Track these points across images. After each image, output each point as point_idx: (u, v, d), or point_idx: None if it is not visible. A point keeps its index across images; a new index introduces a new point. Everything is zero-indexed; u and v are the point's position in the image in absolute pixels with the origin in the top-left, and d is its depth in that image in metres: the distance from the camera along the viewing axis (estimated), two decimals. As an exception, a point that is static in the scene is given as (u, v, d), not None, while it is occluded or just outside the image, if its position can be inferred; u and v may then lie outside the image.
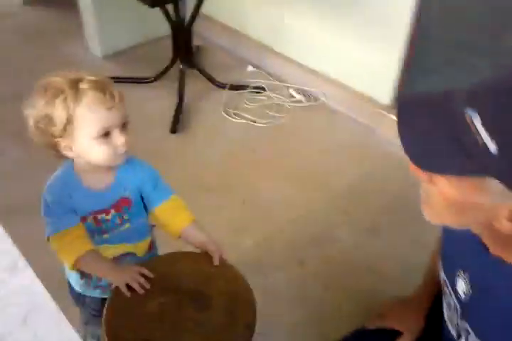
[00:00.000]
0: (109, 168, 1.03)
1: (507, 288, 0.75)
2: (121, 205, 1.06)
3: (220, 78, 2.48)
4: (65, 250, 1.01)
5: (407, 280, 1.34)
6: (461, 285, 0.86)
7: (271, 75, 2.54)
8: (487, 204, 0.65)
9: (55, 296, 0.73)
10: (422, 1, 1.86)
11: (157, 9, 2.16)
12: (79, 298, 1.18)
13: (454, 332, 0.93)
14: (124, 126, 0.97)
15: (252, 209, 1.90)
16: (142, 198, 1.10)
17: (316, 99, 2.40)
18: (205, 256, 1.06)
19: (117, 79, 2.48)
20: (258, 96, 2.43)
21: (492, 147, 0.58)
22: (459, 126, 0.61)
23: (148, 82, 2.45)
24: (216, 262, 1.04)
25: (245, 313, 0.97)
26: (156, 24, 2.62)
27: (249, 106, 2.37)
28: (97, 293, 1.15)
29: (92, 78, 0.94)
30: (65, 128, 0.93)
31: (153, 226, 1.19)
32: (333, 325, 1.45)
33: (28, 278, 0.66)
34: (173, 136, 2.23)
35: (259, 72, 2.57)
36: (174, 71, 2.41)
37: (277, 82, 2.49)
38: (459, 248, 0.88)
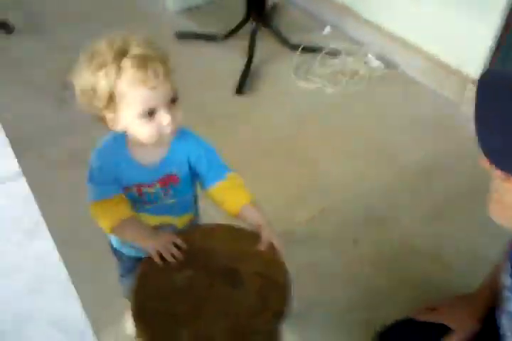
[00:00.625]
0: (160, 145, 0.97)
1: None
2: (167, 181, 1.01)
3: (294, 39, 2.34)
4: (104, 215, 0.98)
5: (471, 274, 1.23)
6: None
7: (348, 38, 2.36)
8: None
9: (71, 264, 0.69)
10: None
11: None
12: (116, 252, 1.19)
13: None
14: (172, 102, 0.90)
15: (311, 181, 1.80)
16: (193, 174, 1.04)
17: (395, 67, 2.21)
18: (248, 233, 1.00)
19: (185, 35, 2.49)
20: (332, 60, 2.27)
21: None
22: None
23: (219, 40, 2.36)
24: (263, 247, 0.97)
25: (277, 299, 0.90)
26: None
27: (322, 71, 2.23)
28: (132, 252, 1.13)
29: (137, 52, 0.85)
30: (108, 103, 0.88)
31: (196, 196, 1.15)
32: (380, 312, 1.35)
33: (45, 245, 0.63)
34: (239, 97, 2.14)
35: (336, 35, 2.40)
36: (246, 29, 2.30)
37: (355, 46, 2.31)
38: None
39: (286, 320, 0.89)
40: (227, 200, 1.02)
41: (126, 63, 0.84)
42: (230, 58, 2.30)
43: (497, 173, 0.61)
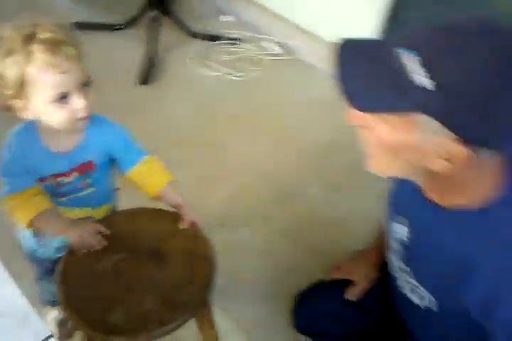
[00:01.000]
0: (74, 131, 0.96)
1: (440, 231, 0.78)
2: (84, 169, 1.01)
3: (195, 27, 2.38)
4: (21, 208, 0.97)
5: (371, 234, 1.37)
6: (400, 229, 0.88)
7: (248, 27, 2.44)
8: (420, 145, 0.65)
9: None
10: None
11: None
12: (32, 255, 1.15)
13: (396, 274, 0.96)
14: (85, 86, 0.89)
15: (222, 164, 1.87)
16: (110, 161, 1.05)
17: (293, 53, 2.33)
18: (169, 214, 1.05)
19: (84, 26, 2.41)
20: (233, 48, 2.34)
21: (428, 84, 0.59)
22: (394, 65, 0.62)
23: (118, 29, 2.33)
24: (185, 225, 1.02)
25: (204, 271, 0.97)
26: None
27: (224, 58, 2.29)
28: (50, 253, 1.11)
29: (46, 36, 0.83)
30: (18, 91, 0.86)
31: (117, 189, 1.16)
32: (298, 279, 1.46)
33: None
34: (143, 87, 2.14)
35: (236, 23, 2.47)
36: (146, 18, 2.30)
37: (255, 34, 2.40)
38: (402, 196, 0.90)
39: (212, 290, 0.95)
40: (146, 183, 1.06)
41: (36, 48, 0.82)
42: (132, 48, 2.28)
43: (360, 122, 0.70)
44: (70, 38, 0.87)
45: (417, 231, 0.86)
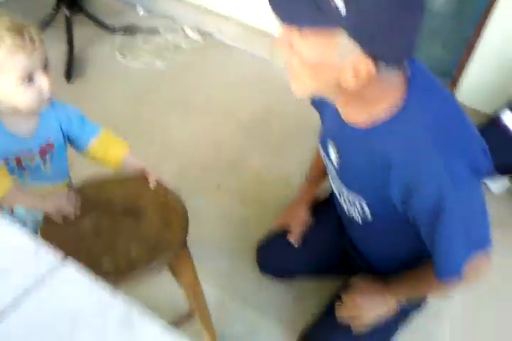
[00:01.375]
0: (32, 113, 1.01)
1: (353, 143, 0.94)
2: (45, 150, 1.07)
3: (111, 22, 2.42)
4: None
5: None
6: (332, 151, 1.03)
7: (164, 17, 2.52)
8: (336, 62, 0.77)
9: None
10: None
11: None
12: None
13: (339, 197, 1.12)
14: (45, 67, 0.96)
15: (163, 146, 1.94)
16: (66, 140, 1.11)
17: (211, 37, 2.44)
18: (136, 177, 1.12)
19: None
20: (153, 39, 2.41)
21: (341, 6, 0.70)
22: None
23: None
24: (152, 184, 1.09)
25: (178, 218, 1.05)
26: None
27: (146, 49, 2.36)
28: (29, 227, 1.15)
29: (9, 23, 0.90)
30: None
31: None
32: (253, 236, 1.57)
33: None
34: (69, 84, 2.16)
35: (150, 15, 2.54)
36: (60, 18, 2.31)
37: (171, 23, 2.48)
38: (328, 121, 1.05)
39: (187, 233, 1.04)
40: (109, 154, 1.13)
41: (3, 31, 0.88)
42: (51, 48, 2.27)
43: (285, 45, 0.80)
44: (32, 24, 0.94)
45: (342, 149, 1.00)
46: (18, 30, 0.90)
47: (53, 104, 1.06)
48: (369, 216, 1.05)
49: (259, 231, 1.53)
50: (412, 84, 0.85)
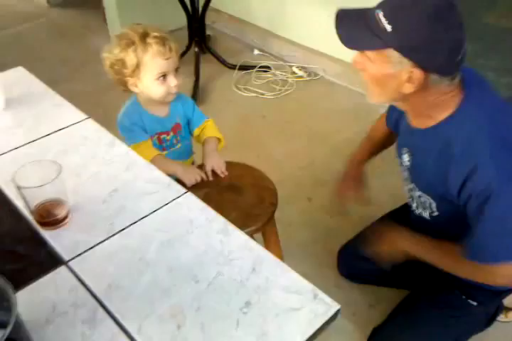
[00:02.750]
0: (165, 102, 1.37)
1: (422, 146, 1.12)
2: (176, 129, 1.42)
3: (231, 61, 2.84)
4: (146, 150, 1.31)
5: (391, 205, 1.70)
6: (406, 157, 1.22)
7: (275, 56, 2.91)
8: (393, 72, 0.98)
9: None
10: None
11: (173, 4, 2.54)
12: None
13: (410, 200, 1.29)
14: (176, 71, 1.31)
15: (266, 161, 2.23)
16: (187, 122, 1.46)
17: (315, 74, 2.76)
18: (236, 163, 1.41)
19: None
20: (265, 75, 2.79)
21: (388, 27, 0.93)
22: (371, 19, 0.97)
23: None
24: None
25: (269, 196, 1.32)
26: (171, 18, 3.02)
27: (258, 83, 2.74)
28: None
29: (156, 34, 1.25)
30: (133, 71, 1.27)
31: (194, 153, 1.55)
32: (335, 239, 1.77)
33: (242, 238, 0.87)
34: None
35: (264, 55, 2.94)
36: (190, 56, 2.78)
37: (281, 62, 2.86)
38: (402, 132, 1.24)
39: (276, 209, 1.29)
40: (203, 134, 1.46)
41: (151, 40, 1.24)
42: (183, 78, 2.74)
43: (360, 66, 1.04)
44: (171, 37, 1.30)
45: (413, 152, 1.19)
46: (163, 41, 1.25)
47: (181, 95, 1.40)
48: (435, 211, 1.21)
49: (341, 240, 1.73)
50: (468, 92, 1.04)
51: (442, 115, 1.06)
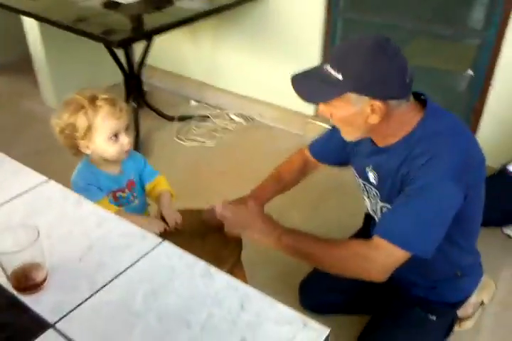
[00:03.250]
0: (116, 162, 1.40)
1: (386, 162, 1.23)
2: (130, 185, 1.44)
3: (169, 112, 2.91)
4: (107, 208, 1.27)
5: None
6: (371, 176, 1.32)
7: (211, 106, 3.01)
8: (357, 110, 1.12)
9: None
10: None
11: (107, 61, 2.60)
12: None
13: (373, 215, 1.39)
14: (127, 129, 1.35)
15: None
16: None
17: (253, 119, 2.89)
18: (198, 209, 1.44)
19: None
20: (204, 124, 2.87)
21: (339, 76, 1.07)
22: (321, 74, 1.11)
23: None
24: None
25: (234, 238, 1.35)
26: (106, 75, 3.08)
27: (198, 132, 2.81)
28: None
29: (105, 96, 1.29)
30: (85, 133, 1.29)
31: (149, 204, 1.57)
32: (296, 277, 1.82)
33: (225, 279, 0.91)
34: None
35: (201, 105, 3.05)
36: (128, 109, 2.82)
37: (218, 110, 2.97)
38: (363, 155, 1.33)
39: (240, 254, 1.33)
40: (155, 190, 1.50)
41: (100, 103, 1.28)
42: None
43: (326, 114, 1.17)
44: (119, 98, 1.35)
45: (379, 169, 1.29)
46: (113, 102, 1.29)
47: (130, 152, 1.42)
48: None
49: (301, 274, 1.78)
50: (428, 110, 1.18)
51: (406, 130, 1.18)
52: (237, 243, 1.34)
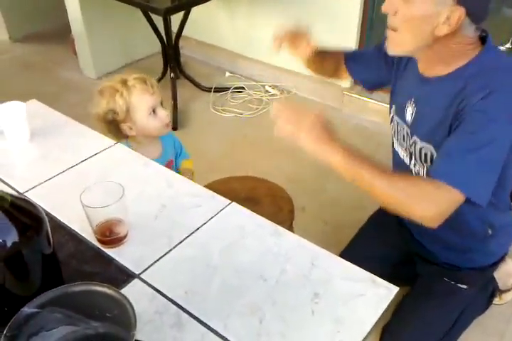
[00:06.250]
0: (157, 141, 1.44)
1: (431, 95, 1.15)
2: (169, 165, 1.50)
3: (204, 85, 2.94)
4: None
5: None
6: (409, 111, 1.22)
7: (246, 77, 3.03)
8: (433, 12, 1.00)
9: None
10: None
11: (144, 31, 2.61)
12: None
13: (405, 157, 1.30)
14: (162, 105, 1.39)
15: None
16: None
17: (288, 92, 2.90)
18: (251, 177, 1.49)
19: None
20: (239, 95, 2.89)
21: None
22: None
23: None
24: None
25: (286, 204, 1.40)
26: (142, 46, 3.10)
27: (234, 103, 2.84)
28: None
29: (135, 75, 1.34)
30: (126, 115, 1.34)
31: None
32: (335, 249, 1.86)
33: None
34: (175, 132, 2.64)
35: (236, 76, 3.06)
36: (165, 81, 2.85)
37: (253, 82, 2.98)
38: (408, 85, 1.24)
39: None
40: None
41: (131, 82, 1.32)
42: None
43: (391, 10, 1.05)
44: (149, 76, 1.39)
45: (420, 103, 1.18)
46: (143, 80, 1.34)
47: (170, 134, 1.48)
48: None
49: (339, 247, 1.82)
50: (487, 48, 1.09)
51: (460, 63, 1.09)
52: (289, 210, 1.39)
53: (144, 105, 1.33)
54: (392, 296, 0.83)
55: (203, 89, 2.92)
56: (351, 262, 1.68)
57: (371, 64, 1.39)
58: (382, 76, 1.37)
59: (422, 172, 1.24)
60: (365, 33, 2.54)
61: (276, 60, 2.89)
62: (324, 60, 1.49)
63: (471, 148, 1.00)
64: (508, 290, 1.63)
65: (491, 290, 1.59)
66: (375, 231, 1.62)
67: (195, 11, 2.75)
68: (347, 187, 2.26)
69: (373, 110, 2.66)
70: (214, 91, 2.89)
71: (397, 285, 0.91)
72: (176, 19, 2.73)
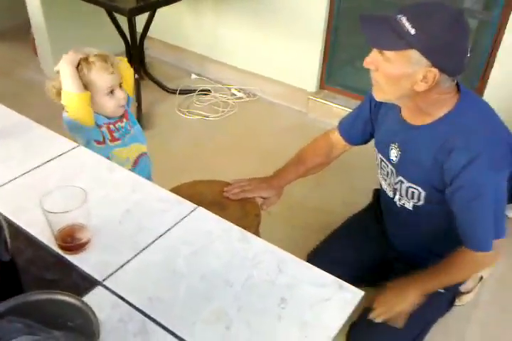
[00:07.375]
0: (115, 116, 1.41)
1: (417, 142, 1.23)
2: (126, 115, 1.46)
3: (170, 86, 2.91)
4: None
5: (344, 214, 1.82)
6: (393, 153, 1.32)
7: (212, 80, 3.02)
8: (410, 72, 1.08)
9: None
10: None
11: (108, 31, 2.57)
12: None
13: (391, 193, 1.40)
14: (121, 86, 1.37)
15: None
16: None
17: (254, 95, 2.90)
18: (218, 181, 1.47)
19: None
20: (205, 98, 2.88)
21: (412, 31, 1.04)
22: (393, 23, 1.07)
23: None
24: None
25: (253, 209, 1.40)
26: (106, 46, 3.03)
27: (200, 106, 2.82)
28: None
29: (96, 52, 1.33)
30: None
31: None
32: (300, 252, 1.88)
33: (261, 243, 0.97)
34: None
35: (202, 79, 3.04)
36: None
37: (219, 85, 2.97)
38: (390, 129, 1.34)
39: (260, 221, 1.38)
40: None
41: (93, 59, 1.30)
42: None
43: (373, 66, 1.13)
44: (110, 54, 1.36)
45: (405, 148, 1.28)
46: (104, 58, 1.32)
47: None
48: (421, 200, 1.30)
49: (306, 249, 1.83)
50: (463, 94, 1.18)
51: (440, 112, 1.17)
52: (256, 214, 1.38)
53: (102, 83, 1.31)
54: (357, 300, 0.83)
55: (168, 91, 2.89)
56: (321, 266, 1.71)
57: (364, 126, 1.47)
58: (370, 128, 1.46)
59: (408, 205, 1.35)
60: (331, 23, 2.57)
61: (243, 64, 2.89)
62: (309, 169, 1.69)
63: (485, 215, 1.17)
64: (468, 292, 1.68)
65: (454, 292, 1.63)
66: (349, 236, 1.64)
67: (162, 12, 2.73)
68: (313, 190, 2.33)
69: (338, 114, 2.68)
70: (179, 94, 2.87)
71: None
72: (141, 19, 2.70)
